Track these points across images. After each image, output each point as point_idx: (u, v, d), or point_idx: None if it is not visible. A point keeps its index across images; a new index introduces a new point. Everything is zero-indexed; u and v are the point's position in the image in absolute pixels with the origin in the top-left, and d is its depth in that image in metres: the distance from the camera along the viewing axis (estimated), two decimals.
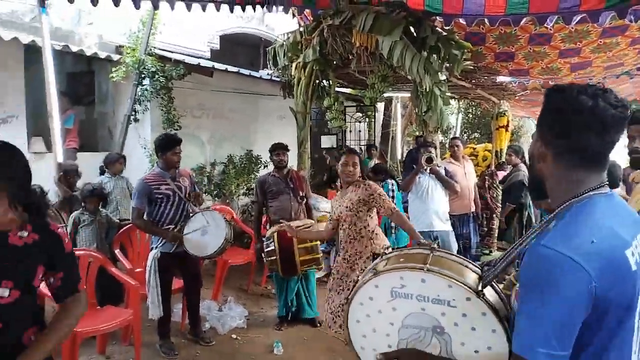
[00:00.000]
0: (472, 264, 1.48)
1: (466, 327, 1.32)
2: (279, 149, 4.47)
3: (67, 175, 4.18)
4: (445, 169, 4.67)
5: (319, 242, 4.07)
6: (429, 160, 4.41)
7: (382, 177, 5.35)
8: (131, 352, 3.65)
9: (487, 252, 6.46)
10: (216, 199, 6.19)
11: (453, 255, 1.52)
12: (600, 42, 5.13)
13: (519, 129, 13.34)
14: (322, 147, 8.35)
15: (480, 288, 1.31)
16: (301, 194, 4.37)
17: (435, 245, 1.53)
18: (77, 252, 3.60)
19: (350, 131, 9.15)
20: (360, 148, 9.71)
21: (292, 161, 7.26)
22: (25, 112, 4.99)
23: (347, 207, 3.20)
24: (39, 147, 5.14)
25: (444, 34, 5.06)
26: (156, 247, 3.68)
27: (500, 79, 7.24)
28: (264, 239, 4.16)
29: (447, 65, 5.14)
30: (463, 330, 1.33)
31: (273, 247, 3.90)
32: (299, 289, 4.29)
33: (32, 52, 4.95)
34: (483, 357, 1.30)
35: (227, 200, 6.35)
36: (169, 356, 3.70)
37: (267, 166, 7.09)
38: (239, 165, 6.56)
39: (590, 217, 1.06)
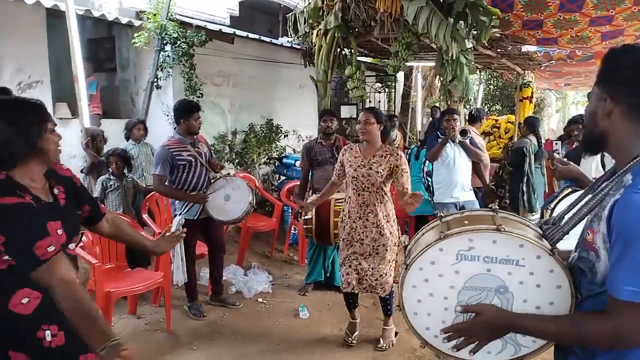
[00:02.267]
0: (531, 223, 1.48)
1: (531, 285, 1.34)
2: (326, 115, 4.39)
3: (95, 140, 4.22)
4: (471, 138, 4.57)
5: None
6: (464, 132, 4.34)
7: None
8: (161, 313, 3.75)
9: None
10: (238, 167, 6.22)
11: (513, 215, 1.52)
12: (635, 9, 4.93)
13: (541, 101, 13.07)
14: (341, 117, 8.27)
15: (550, 246, 1.32)
16: None
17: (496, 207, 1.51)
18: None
19: (370, 101, 9.05)
20: None
21: (312, 131, 7.25)
22: (50, 77, 5.00)
23: (377, 171, 3.16)
24: (64, 113, 5.18)
25: None
26: (180, 214, 3.70)
27: (526, 47, 7.05)
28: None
29: (475, 32, 5.02)
30: (528, 287, 1.34)
31: (310, 216, 3.94)
32: (333, 257, 4.34)
33: (54, 17, 4.93)
34: (543, 311, 1.33)
35: (249, 169, 6.37)
36: (197, 317, 3.79)
37: (287, 136, 7.08)
38: (260, 134, 6.55)
39: None
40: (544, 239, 1.37)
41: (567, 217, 1.36)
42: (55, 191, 1.65)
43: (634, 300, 1.06)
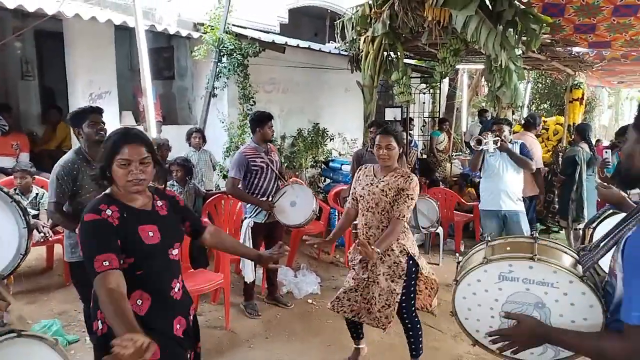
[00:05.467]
0: (569, 249, 1.69)
1: (566, 303, 1.55)
2: (374, 126, 4.54)
3: (160, 149, 4.56)
4: (522, 144, 4.47)
5: None
6: (479, 142, 4.32)
7: None
8: (220, 310, 4.04)
9: (556, 229, 6.41)
10: (287, 170, 6.48)
11: (553, 242, 1.73)
12: None
13: (593, 100, 12.64)
14: (385, 119, 8.38)
15: (582, 273, 1.51)
16: None
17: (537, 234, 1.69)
18: None
19: (414, 103, 9.08)
20: (424, 120, 9.65)
21: (357, 134, 7.41)
22: (117, 88, 5.41)
23: (382, 190, 2.88)
24: (129, 121, 5.59)
25: (521, 7, 4.91)
26: (249, 217, 4.00)
27: (577, 49, 6.91)
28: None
29: (524, 39, 5.01)
30: (563, 305, 1.55)
31: (357, 222, 4.11)
32: None
33: (119, 31, 5.32)
34: (578, 325, 1.52)
35: (297, 172, 6.62)
36: (253, 316, 4.06)
37: (332, 139, 7.28)
38: (308, 138, 6.78)
39: None
40: (578, 265, 1.56)
41: (602, 244, 1.51)
42: (159, 203, 1.91)
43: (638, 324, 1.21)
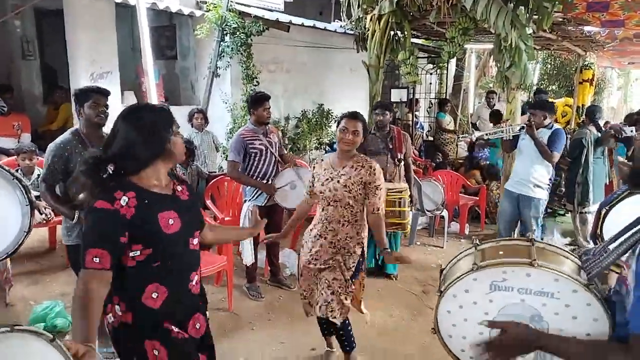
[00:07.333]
0: (570, 253, 1.50)
1: (567, 316, 1.37)
2: (379, 108, 4.37)
3: None
4: (554, 132, 4.22)
5: (407, 209, 3.99)
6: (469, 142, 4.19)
7: None
8: (223, 292, 4.03)
9: (562, 212, 6.35)
10: (290, 153, 6.41)
11: (551, 245, 1.54)
12: None
13: (602, 81, 12.41)
14: (391, 100, 8.26)
15: (587, 281, 1.34)
16: (399, 156, 4.28)
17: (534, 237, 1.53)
18: None
19: (421, 84, 8.94)
20: (430, 101, 9.52)
21: (364, 115, 7.30)
22: (118, 67, 5.33)
23: (344, 185, 2.71)
24: (131, 101, 5.52)
25: None
26: (249, 200, 3.94)
27: (588, 28, 6.73)
28: None
29: (536, 17, 4.88)
30: (563, 318, 1.37)
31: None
32: None
33: (120, 9, 5.21)
34: None
35: (301, 154, 6.56)
36: (256, 298, 4.06)
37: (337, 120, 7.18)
38: (312, 120, 6.69)
39: None
40: (581, 272, 1.38)
41: (611, 247, 1.34)
42: (179, 188, 1.79)
43: None
